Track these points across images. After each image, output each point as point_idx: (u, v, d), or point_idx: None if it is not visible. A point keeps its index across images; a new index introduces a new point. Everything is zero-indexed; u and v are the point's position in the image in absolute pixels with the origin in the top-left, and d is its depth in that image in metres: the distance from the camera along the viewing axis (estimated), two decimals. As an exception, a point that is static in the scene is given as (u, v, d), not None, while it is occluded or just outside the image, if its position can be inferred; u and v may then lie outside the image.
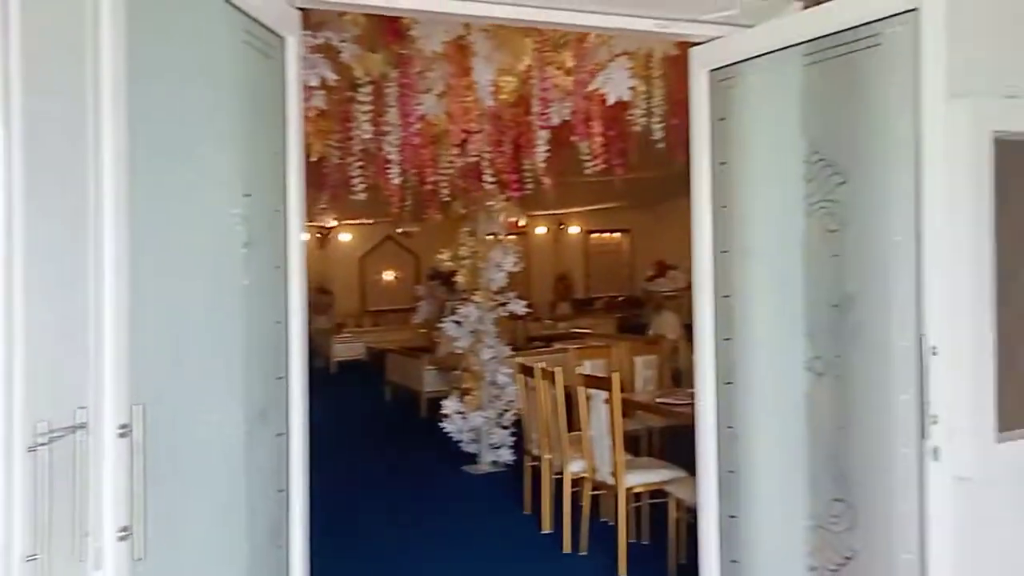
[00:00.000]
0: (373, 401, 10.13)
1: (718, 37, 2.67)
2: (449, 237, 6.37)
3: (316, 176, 4.39)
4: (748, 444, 2.70)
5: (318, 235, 17.15)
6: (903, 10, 2.21)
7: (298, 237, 2.20)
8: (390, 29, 2.94)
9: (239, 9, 1.95)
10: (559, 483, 4.36)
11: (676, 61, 3.20)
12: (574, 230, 18.55)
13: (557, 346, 9.17)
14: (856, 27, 2.33)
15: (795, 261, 2.54)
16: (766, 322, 2.64)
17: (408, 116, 3.15)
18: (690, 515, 3.67)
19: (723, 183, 2.74)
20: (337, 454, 7.23)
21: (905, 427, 2.23)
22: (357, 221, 16.16)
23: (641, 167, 4.69)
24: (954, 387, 2.24)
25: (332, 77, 2.83)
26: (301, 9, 2.24)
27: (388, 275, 17.65)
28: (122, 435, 1.45)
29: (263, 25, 2.06)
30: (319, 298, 16.61)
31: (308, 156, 4.11)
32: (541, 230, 18.26)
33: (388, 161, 3.26)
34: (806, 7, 2.57)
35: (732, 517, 2.75)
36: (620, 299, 17.17)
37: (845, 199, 2.40)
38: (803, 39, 2.46)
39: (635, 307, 14.75)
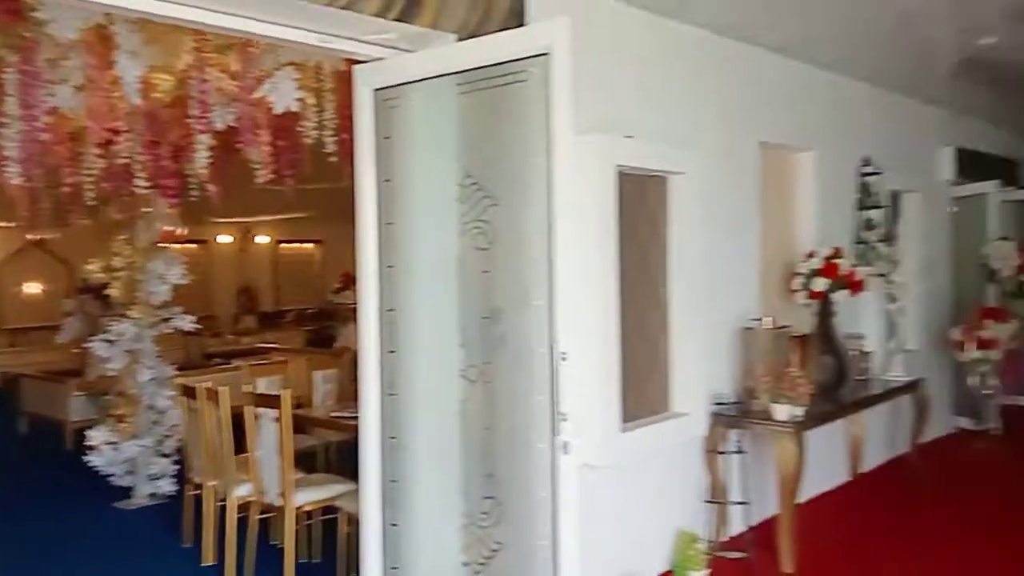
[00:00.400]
0: (4, 435, 8.54)
1: (381, 58, 2.74)
2: (107, 245, 5.61)
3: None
4: (410, 453, 2.79)
5: (-68, 237, 14.02)
6: (537, 53, 2.47)
7: None
8: (5, 7, 2.51)
9: None
10: (224, 510, 4.08)
11: (346, 76, 3.22)
12: (263, 239, 17.65)
13: (237, 363, 8.64)
14: (502, 63, 2.55)
15: (452, 276, 2.69)
16: (427, 334, 2.76)
17: (32, 108, 2.72)
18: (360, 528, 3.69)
19: (388, 200, 2.82)
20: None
21: (541, 425, 2.48)
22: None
23: (329, 178, 4.63)
24: (583, 388, 2.55)
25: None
26: None
27: (32, 287, 15.05)
28: None
29: None
30: (-69, 314, 13.60)
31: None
32: (225, 239, 17.06)
33: (4, 157, 2.76)
34: (460, 39, 2.76)
35: (394, 525, 2.82)
36: (311, 312, 16.77)
37: (494, 220, 2.60)
38: (456, 69, 2.63)
39: (326, 320, 14.49)
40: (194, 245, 15.72)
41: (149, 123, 3.44)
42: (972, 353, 5.61)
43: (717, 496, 3.99)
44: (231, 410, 4.01)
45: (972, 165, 6.73)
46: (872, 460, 5.40)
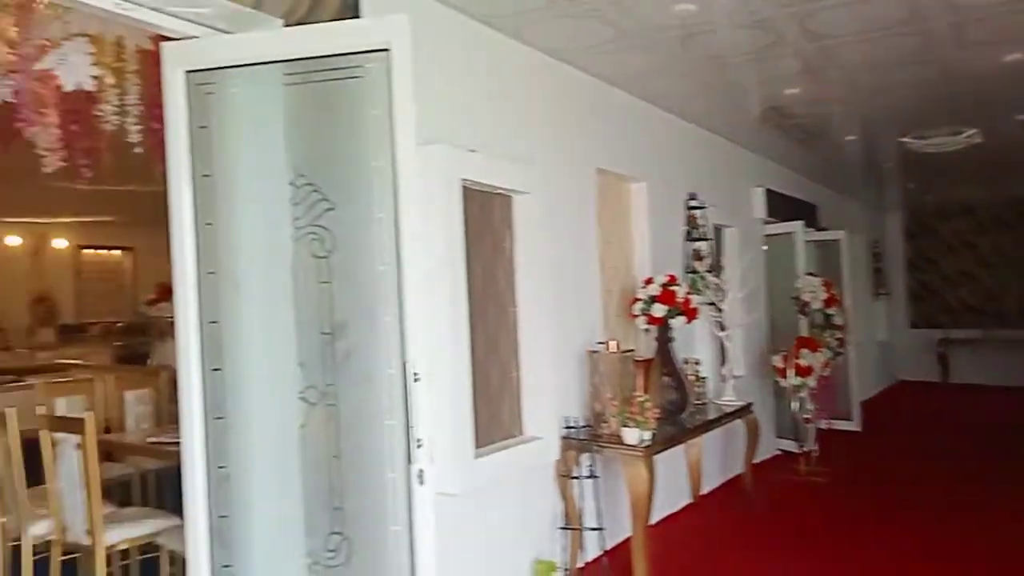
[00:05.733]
0: None
1: (195, 36, 2.38)
2: None
3: None
4: (242, 484, 2.46)
5: None
6: (376, 48, 2.26)
7: None
8: None
9: None
10: (18, 552, 3.46)
11: (156, 58, 2.80)
12: (61, 243, 15.78)
13: (30, 380, 7.59)
14: (336, 55, 2.31)
15: (285, 286, 2.40)
16: (258, 350, 2.44)
17: None
18: (185, 569, 3.26)
19: (208, 198, 2.45)
20: None
21: (392, 452, 2.27)
22: None
23: (141, 179, 4.06)
24: (436, 411, 2.34)
25: None
26: None
27: None
28: None
29: None
30: None
31: None
32: (14, 240, 15.09)
33: None
34: (287, 25, 2.46)
35: (226, 567, 2.47)
36: (120, 325, 15.26)
37: (333, 226, 2.35)
38: (282, 58, 2.35)
39: (138, 334, 13.23)
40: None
41: None
42: (792, 379, 5.97)
43: (572, 522, 3.89)
44: (23, 436, 3.46)
45: (780, 206, 7.32)
46: (710, 482, 5.59)
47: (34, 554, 3.44)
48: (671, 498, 5.02)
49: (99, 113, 2.88)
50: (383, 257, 2.30)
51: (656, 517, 4.44)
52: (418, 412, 2.23)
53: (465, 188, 3.25)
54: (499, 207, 3.61)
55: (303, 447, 2.37)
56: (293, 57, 2.31)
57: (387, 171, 2.28)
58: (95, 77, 2.61)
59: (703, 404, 4.96)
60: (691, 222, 5.57)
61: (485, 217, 3.52)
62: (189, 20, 2.27)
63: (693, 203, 5.60)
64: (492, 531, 3.44)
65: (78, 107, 2.95)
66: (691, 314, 4.46)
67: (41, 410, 3.52)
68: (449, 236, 3.08)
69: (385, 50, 2.25)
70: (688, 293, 4.50)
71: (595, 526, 3.95)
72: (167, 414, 5.01)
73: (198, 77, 2.40)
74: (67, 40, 2.55)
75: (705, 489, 5.44)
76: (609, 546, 4.08)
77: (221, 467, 2.47)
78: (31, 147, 3.12)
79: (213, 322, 2.47)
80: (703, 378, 5.09)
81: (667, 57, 4.20)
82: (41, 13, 2.56)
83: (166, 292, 7.18)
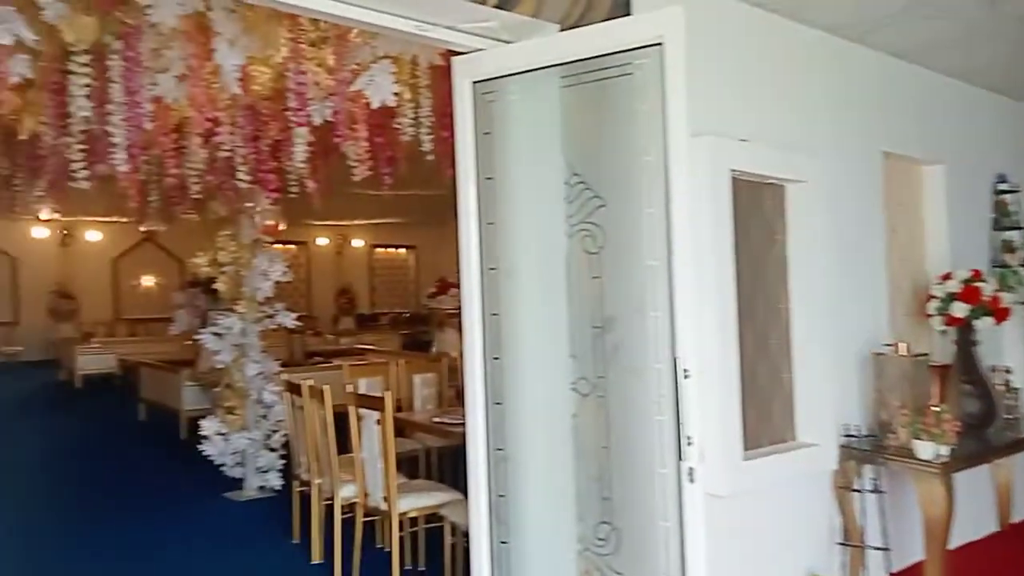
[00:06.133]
0: (124, 420, 9.01)
1: (481, 49, 2.57)
2: (213, 240, 5.74)
3: (30, 158, 3.70)
4: (518, 467, 2.62)
5: (62, 232, 15.08)
6: (649, 43, 2.27)
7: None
8: (107, -8, 2.48)
9: None
10: (330, 509, 4.03)
11: (445, 72, 3.08)
12: (358, 243, 18.08)
13: (337, 362, 8.78)
14: (609, 55, 2.35)
15: (559, 281, 2.50)
16: (533, 342, 2.58)
17: (135, 95, 2.68)
18: (466, 540, 3.55)
19: (490, 199, 2.64)
20: (73, 483, 6.29)
21: (661, 448, 2.26)
22: (108, 219, 14.44)
23: (423, 184, 4.57)
24: (704, 409, 2.30)
25: (30, 37, 2.31)
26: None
27: (147, 280, 15.96)
28: None
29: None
30: (59, 303, 14.61)
31: (15, 133, 3.45)
32: (323, 241, 17.57)
33: (113, 145, 2.75)
34: (563, 30, 2.55)
35: (504, 543, 2.65)
36: (406, 315, 17.07)
37: (604, 222, 2.41)
38: (559, 61, 2.44)
39: (420, 324, 14.68)
40: (294, 246, 16.29)
41: (249, 116, 3.39)
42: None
43: (852, 538, 3.57)
44: (333, 409, 3.97)
45: None
46: (1023, 510, 4.80)
47: (342, 513, 3.96)
48: (973, 523, 4.39)
49: (397, 126, 3.25)
50: (653, 252, 2.30)
51: (954, 543, 3.92)
52: (688, 409, 2.20)
53: (734, 179, 3.13)
54: (770, 197, 3.42)
55: (575, 436, 2.46)
56: (568, 60, 2.40)
57: (657, 166, 2.29)
58: (396, 94, 2.95)
59: (1015, 419, 4.26)
60: (1000, 208, 4.82)
61: (755, 209, 3.36)
62: (476, 35, 2.46)
63: (1003, 187, 4.83)
64: (762, 538, 3.28)
65: (382, 122, 3.36)
66: (1001, 315, 3.86)
67: (356, 388, 4.05)
68: (718, 230, 2.99)
69: (658, 44, 2.24)
70: (996, 290, 3.89)
71: (880, 545, 3.59)
72: (447, 397, 5.49)
73: (483, 86, 2.60)
74: (374, 63, 2.91)
75: (1016, 517, 4.68)
76: (896, 569, 3.69)
77: (499, 449, 2.66)
78: (343, 159, 3.62)
79: (494, 314, 2.66)
80: (1015, 389, 4.37)
81: (970, 23, 3.66)
82: (354, 42, 2.95)
83: (446, 286, 7.88)
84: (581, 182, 2.43)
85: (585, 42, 2.39)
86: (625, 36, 2.31)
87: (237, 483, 5.63)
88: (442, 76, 3.16)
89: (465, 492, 2.84)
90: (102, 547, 4.67)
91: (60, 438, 8.35)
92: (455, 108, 2.61)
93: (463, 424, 4.15)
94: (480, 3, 2.32)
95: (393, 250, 18.55)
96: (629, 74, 2.32)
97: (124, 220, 13.69)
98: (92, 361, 12.00)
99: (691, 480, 2.19)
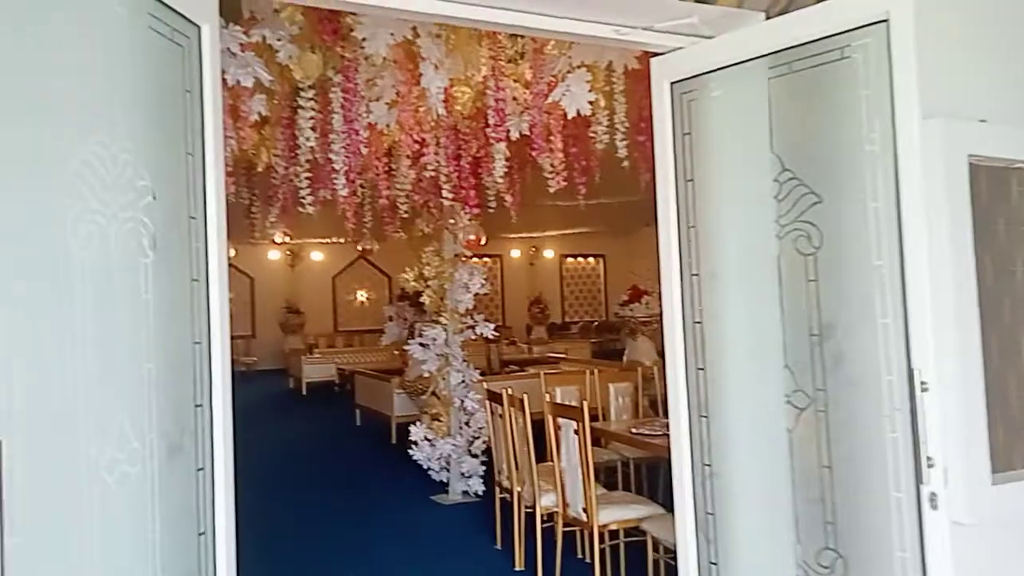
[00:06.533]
0: (342, 425, 9.80)
1: (680, 48, 2.49)
2: (418, 256, 6.13)
3: (265, 188, 4.17)
4: (728, 484, 2.48)
5: (288, 253, 16.87)
6: (872, 21, 2.08)
7: (220, 247, 1.95)
8: (329, 28, 2.72)
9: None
10: (531, 517, 4.10)
11: (639, 75, 3.03)
12: (549, 254, 18.45)
13: (531, 370, 8.96)
14: (823, 39, 2.19)
15: (770, 286, 2.34)
16: (742, 351, 2.44)
17: (352, 123, 2.92)
18: (669, 556, 3.45)
19: (690, 201, 2.55)
20: (301, 482, 6.96)
21: (895, 469, 2.05)
22: (328, 240, 15.93)
23: (613, 192, 4.56)
24: (945, 425, 2.04)
25: (267, 77, 2.60)
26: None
27: (360, 295, 17.37)
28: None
29: (173, 10, 1.83)
30: (289, 318, 16.31)
31: (255, 166, 3.91)
32: (515, 253, 18.13)
33: (334, 171, 3.02)
34: (768, 18, 2.41)
35: (713, 564, 2.53)
36: (595, 324, 17.11)
37: (819, 220, 2.22)
38: (767, 51, 2.30)
39: (610, 332, 14.66)
40: (489, 259, 16.93)
41: (451, 136, 3.57)
42: None
43: None
44: (531, 417, 4.04)
45: None
46: None
47: (542, 521, 4.00)
48: None
49: (592, 134, 3.25)
50: (879, 251, 2.09)
51: None
52: (928, 426, 1.97)
53: (972, 165, 2.77)
54: (1018, 184, 2.98)
55: (791, 453, 2.29)
56: (777, 48, 2.26)
57: (882, 156, 2.08)
58: (591, 102, 2.96)
59: None
60: None
61: (998, 198, 2.94)
62: (676, 33, 2.40)
63: None
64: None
65: (576, 131, 3.38)
66: None
67: (553, 396, 4.09)
68: (955, 222, 2.65)
69: (882, 21, 2.05)
70: None
71: None
72: (643, 407, 5.39)
73: (682, 86, 2.52)
74: (570, 72, 2.94)
75: None
76: None
77: (707, 465, 2.53)
78: (538, 172, 3.69)
79: (697, 322, 2.56)
80: None
81: None
82: (550, 54, 3.00)
83: (638, 294, 7.78)
84: (793, 178, 2.27)
85: (798, 28, 2.23)
86: (845, 16, 2.13)
87: (443, 487, 5.90)
88: (636, 80, 3.11)
89: (667, 506, 2.75)
90: (322, 544, 5.08)
91: (288, 440, 9.25)
92: (653, 110, 2.55)
93: (663, 435, 4.06)
94: (680, -1, 2.26)
95: (583, 259, 18.71)
96: (847, 57, 2.14)
97: (342, 241, 15.02)
98: (315, 370, 13.23)
99: (933, 507, 1.95)
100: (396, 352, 9.11)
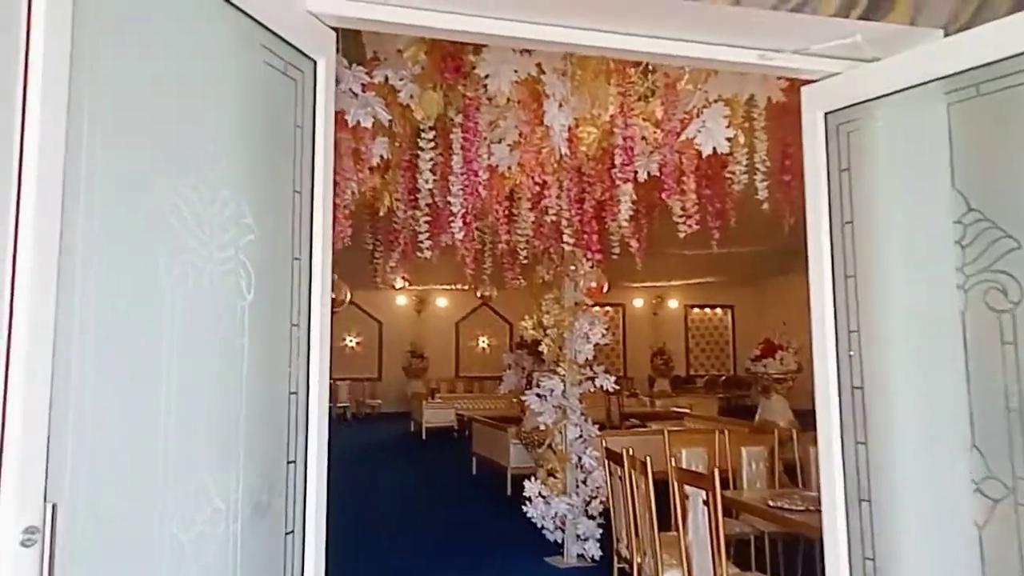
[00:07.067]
0: (458, 473, 9.68)
1: (836, 73, 2.19)
2: (538, 304, 5.96)
3: (388, 233, 4.14)
4: (895, 582, 2.07)
5: (414, 299, 17.27)
6: None
7: (324, 291, 1.83)
8: (452, 66, 2.63)
9: (259, 23, 1.66)
10: (652, 592, 3.73)
11: (784, 109, 2.74)
12: (673, 304, 17.86)
13: (653, 426, 8.51)
14: (1020, 55, 1.83)
15: (951, 347, 1.96)
16: (914, 425, 2.06)
17: (470, 163, 2.80)
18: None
19: (849, 247, 2.21)
20: (412, 531, 6.84)
21: None
22: (453, 286, 16.17)
23: (744, 241, 4.27)
24: None
25: (386, 117, 2.53)
26: (335, 29, 1.94)
27: (482, 341, 17.45)
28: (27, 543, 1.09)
29: (289, 44, 1.77)
30: (413, 362, 16.58)
31: (377, 211, 3.88)
32: (638, 302, 17.68)
33: (452, 214, 2.91)
34: (948, 34, 2.07)
35: None
36: (723, 378, 16.30)
37: (1018, 270, 1.84)
38: (947, 73, 1.97)
39: (738, 388, 13.88)
40: (611, 308, 16.62)
41: (574, 178, 3.39)
42: None
43: None
44: (653, 477, 3.68)
45: None
46: None
47: (666, 600, 3.63)
48: None
49: (729, 175, 2.97)
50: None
51: None
52: None
53: None
54: None
55: (982, 556, 1.87)
56: (962, 69, 1.92)
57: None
58: (728, 139, 2.69)
59: None
60: None
61: None
62: (832, 56, 2.11)
63: None
64: None
65: (711, 172, 3.12)
66: None
67: (679, 458, 3.72)
68: None
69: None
70: None
71: None
72: (778, 474, 4.90)
73: (839, 116, 2.21)
74: (706, 107, 2.70)
75: None
76: None
77: (869, 558, 2.14)
78: (666, 218, 3.42)
79: (857, 388, 2.19)
80: None
81: None
82: (684, 89, 2.77)
83: (771, 348, 7.22)
84: (982, 219, 1.90)
85: (988, 44, 1.89)
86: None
87: (558, 548, 5.58)
88: (780, 114, 2.82)
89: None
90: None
91: (405, 484, 9.23)
92: (804, 145, 2.25)
93: (804, 511, 3.60)
94: (841, 16, 1.97)
95: (709, 310, 17.98)
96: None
97: (464, 288, 15.19)
98: (435, 415, 13.27)
99: None
100: (514, 400, 8.93)
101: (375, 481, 9.55)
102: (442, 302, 17.50)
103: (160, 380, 1.38)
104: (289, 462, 1.71)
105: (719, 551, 3.22)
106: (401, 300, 17.22)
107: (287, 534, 1.69)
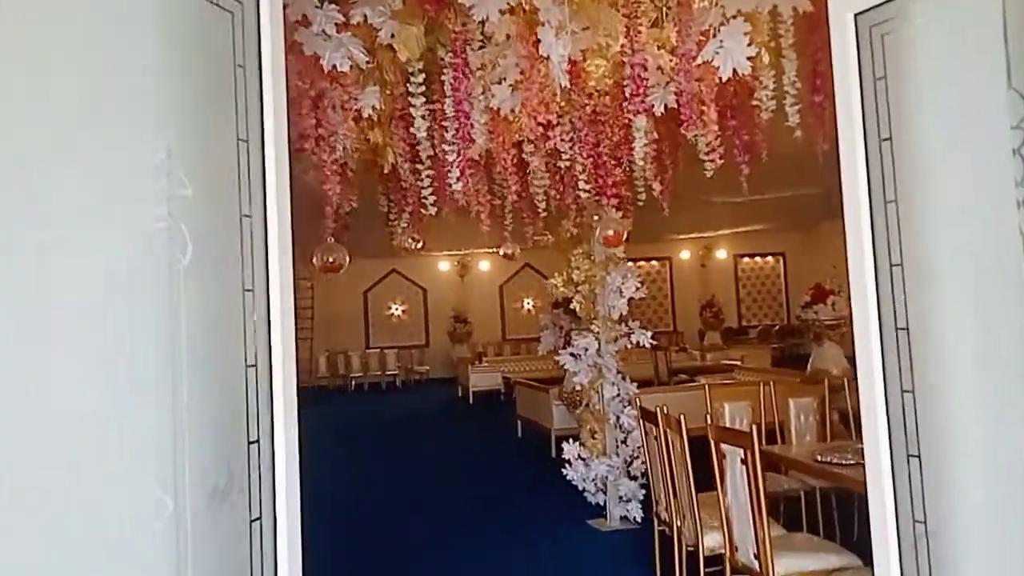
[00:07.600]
0: (503, 436, 9.61)
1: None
2: (567, 260, 5.71)
3: (396, 193, 3.95)
4: (950, 548, 1.82)
5: (457, 264, 17.17)
6: None
7: (283, 252, 1.63)
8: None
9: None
10: (694, 556, 3.53)
11: (812, 20, 2.41)
12: (721, 254, 17.32)
13: (702, 380, 8.24)
14: None
15: (1011, 279, 1.67)
16: (969, 368, 1.78)
17: (460, 104, 2.56)
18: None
19: (888, 167, 1.91)
20: (457, 496, 6.78)
21: None
22: (496, 250, 15.98)
23: (790, 184, 3.94)
24: None
25: (363, 59, 2.31)
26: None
27: (527, 302, 17.29)
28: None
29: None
30: (457, 327, 16.55)
31: (382, 167, 3.68)
32: (685, 255, 17.21)
33: (449, 164, 2.68)
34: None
35: None
36: (776, 328, 15.82)
37: (1095, 181, 1.53)
38: None
39: (792, 336, 13.45)
40: (656, 262, 16.23)
41: (584, 118, 3.11)
42: None
43: None
44: (691, 435, 3.45)
45: None
46: None
47: (705, 564, 3.43)
48: None
49: (756, 102, 2.66)
50: None
51: None
52: None
53: None
54: None
55: (1053, 514, 1.60)
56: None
57: None
58: (750, 58, 2.38)
59: None
60: None
61: None
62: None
63: None
64: None
65: (734, 100, 2.82)
66: None
67: (720, 413, 3.49)
68: None
69: None
70: None
71: None
72: (830, 425, 4.62)
73: (870, 17, 1.90)
74: (723, 25, 2.39)
75: None
76: None
77: (919, 521, 1.89)
78: (693, 160, 3.12)
79: (902, 329, 1.92)
80: None
81: None
82: (699, 7, 2.47)
83: (822, 294, 6.84)
84: (1048, 124, 1.60)
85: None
86: None
87: (600, 510, 5.43)
88: (809, 27, 2.50)
89: (865, 555, 2.13)
90: (476, 564, 4.81)
91: (450, 450, 9.20)
92: (833, 54, 1.95)
93: (856, 464, 3.33)
94: None
95: (760, 259, 17.40)
96: None
97: (504, 251, 14.99)
98: (481, 379, 13.23)
99: None
100: (555, 360, 8.76)
101: (420, 447, 9.56)
102: (484, 266, 17.35)
103: (71, 354, 1.21)
104: (251, 442, 1.54)
105: (759, 513, 3.00)
106: (444, 266, 17.15)
107: (253, 521, 1.53)
